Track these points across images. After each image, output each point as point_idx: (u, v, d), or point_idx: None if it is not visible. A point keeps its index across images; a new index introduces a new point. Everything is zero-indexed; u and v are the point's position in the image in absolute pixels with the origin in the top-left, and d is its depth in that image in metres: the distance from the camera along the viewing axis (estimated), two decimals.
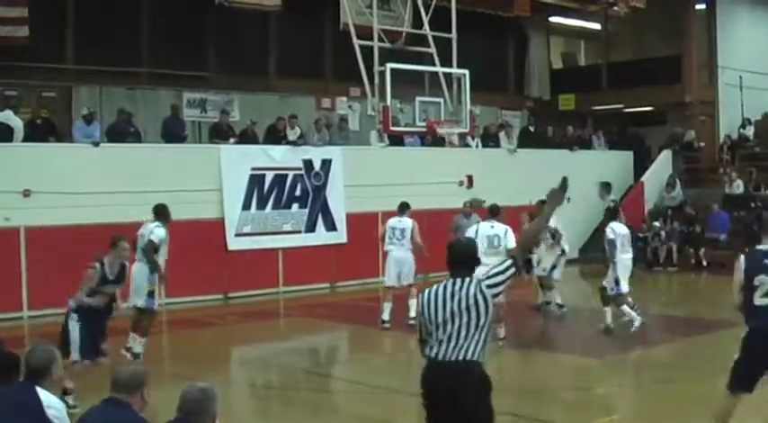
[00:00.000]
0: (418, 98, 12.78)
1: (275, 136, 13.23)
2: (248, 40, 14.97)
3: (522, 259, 3.90)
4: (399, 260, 9.64)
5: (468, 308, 3.68)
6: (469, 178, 14.48)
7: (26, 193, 10.45)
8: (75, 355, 6.12)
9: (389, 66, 12.08)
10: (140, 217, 10.39)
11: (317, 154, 13.08)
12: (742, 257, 5.14)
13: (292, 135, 13.27)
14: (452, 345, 3.65)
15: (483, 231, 8.65)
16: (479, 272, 3.90)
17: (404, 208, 9.89)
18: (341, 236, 13.11)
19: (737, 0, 18.36)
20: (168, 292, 10.04)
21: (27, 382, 3.47)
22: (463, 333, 3.65)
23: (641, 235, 15.20)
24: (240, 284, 12.01)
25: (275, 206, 12.60)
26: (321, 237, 12.97)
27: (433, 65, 13.30)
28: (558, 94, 19.19)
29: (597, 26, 19.81)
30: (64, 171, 10.74)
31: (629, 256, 9.14)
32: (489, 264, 4.31)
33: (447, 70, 13.13)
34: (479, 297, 3.70)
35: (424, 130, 13.14)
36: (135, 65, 13.65)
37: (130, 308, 7.61)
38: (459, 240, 4.23)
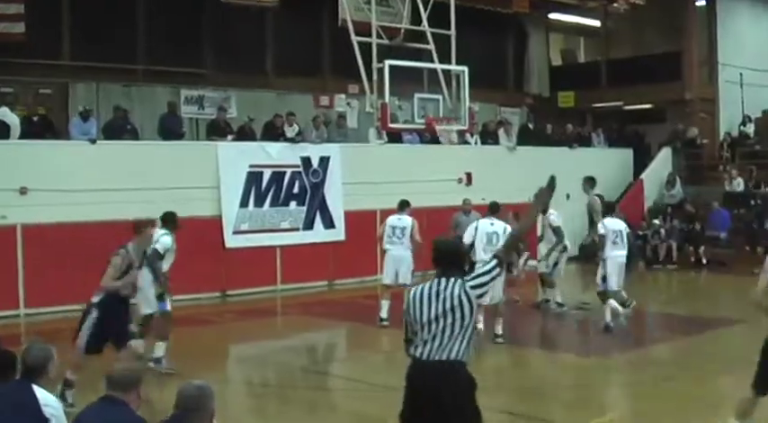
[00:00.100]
0: (417, 95, 12.75)
1: (273, 133, 13.17)
2: (245, 36, 14.90)
3: (507, 259, 3.91)
4: (398, 259, 9.62)
5: (452, 308, 3.70)
6: (468, 176, 14.45)
7: (23, 191, 10.42)
8: (81, 341, 6.04)
9: (388, 62, 12.06)
10: (137, 215, 10.45)
11: (315, 151, 13.02)
12: None
13: (290, 132, 13.22)
14: (437, 345, 3.69)
15: (482, 228, 8.66)
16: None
17: (404, 206, 9.87)
18: (339, 233, 13.06)
19: None
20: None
21: (23, 381, 3.48)
22: (447, 333, 3.68)
23: (641, 233, 15.17)
24: (238, 282, 11.96)
25: (273, 204, 12.54)
26: (319, 234, 12.92)
27: (432, 61, 13.27)
28: (557, 92, 19.11)
29: (597, 23, 19.75)
30: (61, 168, 10.70)
31: (622, 252, 9.04)
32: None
33: (446, 67, 13.12)
34: (464, 298, 3.72)
35: (423, 127, 13.12)
36: (131, 62, 13.59)
37: (141, 316, 7.40)
38: (443, 239, 4.22)
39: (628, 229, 9.37)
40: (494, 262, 3.83)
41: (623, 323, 8.92)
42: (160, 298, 7.29)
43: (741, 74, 17.30)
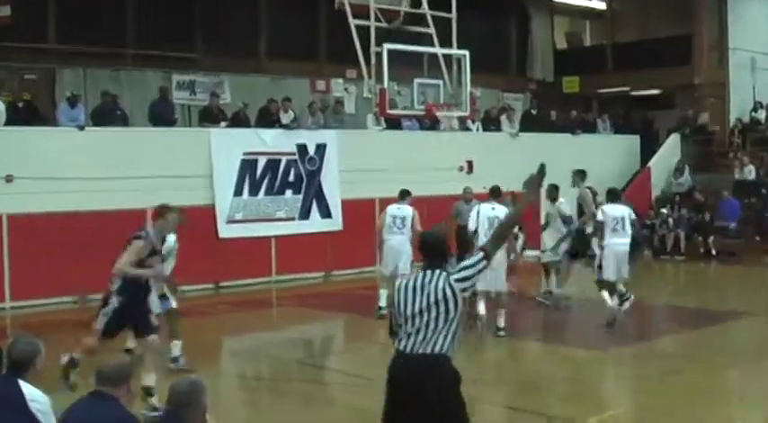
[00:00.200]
0: (417, 80, 12.60)
1: (268, 119, 12.91)
2: (238, 18, 14.67)
3: (494, 252, 3.90)
4: (397, 249, 9.45)
5: (437, 302, 3.69)
6: (470, 163, 14.22)
7: (8, 179, 10.21)
8: (99, 325, 5.85)
9: (387, 46, 11.90)
10: (127, 204, 10.22)
11: (311, 138, 12.79)
12: None
13: (285, 118, 12.97)
14: (420, 338, 3.68)
15: (484, 213, 8.54)
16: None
17: (404, 195, 9.69)
18: (336, 223, 12.87)
19: None
20: None
21: (9, 375, 3.46)
22: (431, 327, 3.68)
23: (648, 222, 14.85)
24: (232, 273, 11.78)
25: (268, 192, 12.35)
26: (315, 224, 12.73)
27: (432, 45, 13.11)
28: (561, 76, 18.78)
29: (602, 5, 19.37)
30: (48, 156, 10.50)
31: (623, 240, 8.68)
32: None
33: (446, 51, 12.98)
34: (448, 291, 3.70)
35: (423, 113, 13.03)
36: (120, 46, 13.35)
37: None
38: (429, 232, 4.14)
39: (633, 216, 8.96)
40: (480, 255, 3.79)
41: (617, 315, 8.61)
42: (162, 298, 7.06)
43: (753, 58, 16.88)
